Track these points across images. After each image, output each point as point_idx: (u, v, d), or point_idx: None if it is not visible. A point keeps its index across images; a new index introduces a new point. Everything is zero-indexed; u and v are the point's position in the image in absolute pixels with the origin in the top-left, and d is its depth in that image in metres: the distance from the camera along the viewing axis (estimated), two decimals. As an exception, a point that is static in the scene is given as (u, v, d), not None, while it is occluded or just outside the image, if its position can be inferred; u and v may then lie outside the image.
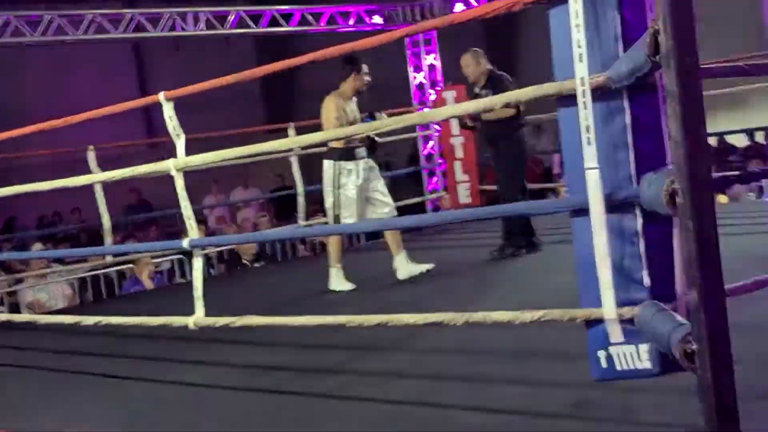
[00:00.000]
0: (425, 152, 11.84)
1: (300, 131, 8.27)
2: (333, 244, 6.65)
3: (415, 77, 11.90)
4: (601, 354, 2.84)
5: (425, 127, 10.97)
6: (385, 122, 5.12)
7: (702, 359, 1.99)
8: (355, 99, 6.64)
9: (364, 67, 6.55)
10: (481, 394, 3.61)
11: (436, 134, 11.32)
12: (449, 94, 9.68)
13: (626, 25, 2.70)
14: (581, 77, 2.73)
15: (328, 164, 6.52)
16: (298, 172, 9.14)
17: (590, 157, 2.75)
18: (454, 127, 9.68)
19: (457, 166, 9.90)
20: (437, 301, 5.58)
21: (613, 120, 2.74)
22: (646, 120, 2.73)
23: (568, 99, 2.81)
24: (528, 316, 2.99)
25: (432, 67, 11.86)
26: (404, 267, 6.58)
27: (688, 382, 3.08)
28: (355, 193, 6.47)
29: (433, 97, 11.44)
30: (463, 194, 9.80)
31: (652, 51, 2.08)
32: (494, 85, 6.72)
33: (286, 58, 4.07)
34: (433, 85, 11.79)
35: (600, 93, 2.72)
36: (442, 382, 3.90)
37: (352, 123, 6.43)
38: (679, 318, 2.37)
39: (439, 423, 3.36)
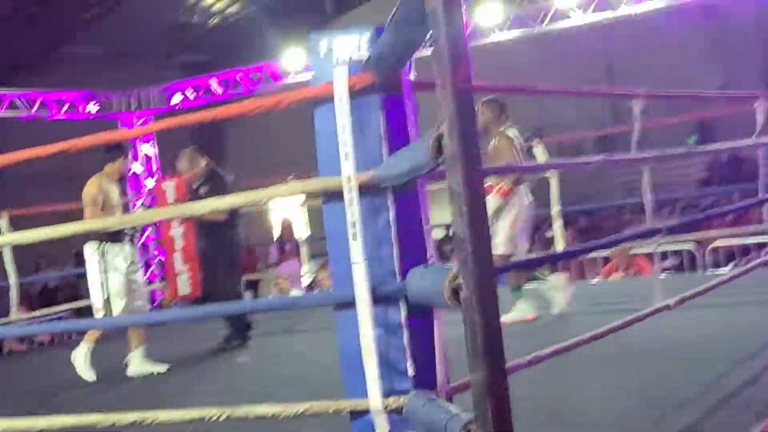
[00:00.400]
0: (139, 243, 11.53)
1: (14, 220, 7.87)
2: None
3: (130, 169, 11.64)
4: (367, 445, 2.89)
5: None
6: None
7: (486, 445, 2.09)
8: (118, 183, 6.54)
9: (129, 155, 6.56)
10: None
11: (153, 225, 11.11)
12: (169, 185, 9.53)
13: (389, 127, 2.86)
14: (348, 175, 2.83)
15: (92, 247, 6.26)
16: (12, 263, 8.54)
17: (356, 252, 2.84)
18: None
19: (177, 256, 9.70)
20: (192, 396, 5.42)
21: (377, 217, 2.86)
22: (408, 217, 2.87)
23: (334, 195, 2.90)
24: (293, 409, 2.98)
25: (148, 157, 11.69)
26: (138, 364, 6.36)
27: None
28: (123, 276, 6.28)
29: (150, 185, 11.28)
30: (183, 285, 9.59)
31: (435, 153, 2.20)
32: (213, 183, 6.81)
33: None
34: (149, 174, 11.61)
35: (365, 190, 2.84)
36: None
37: (115, 205, 6.34)
38: (451, 407, 2.48)
39: None
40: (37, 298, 13.41)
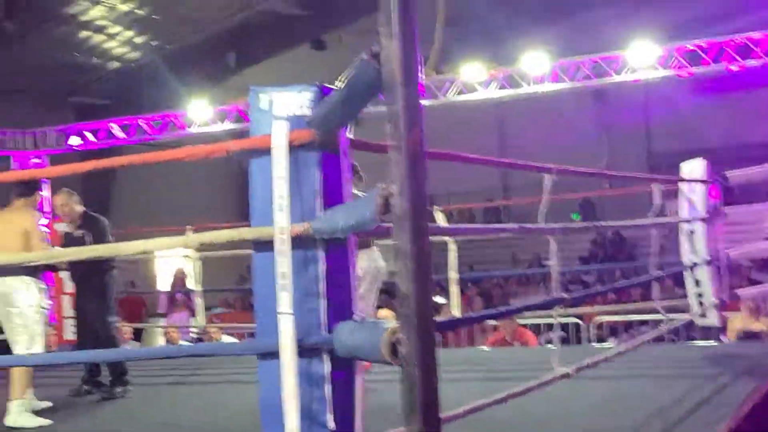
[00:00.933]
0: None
1: None
2: (22, 370, 5.88)
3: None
4: (282, 496, 2.89)
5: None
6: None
7: (418, 499, 2.15)
8: None
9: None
10: None
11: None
12: (60, 227, 9.38)
13: (326, 183, 2.93)
14: (281, 226, 2.88)
15: (26, 282, 5.99)
16: None
17: (284, 302, 2.88)
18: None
19: (66, 300, 9.49)
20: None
21: (307, 269, 2.91)
22: (337, 272, 2.93)
23: (265, 245, 2.94)
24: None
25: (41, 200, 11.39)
26: (17, 415, 5.91)
27: None
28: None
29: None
30: (69, 330, 9.37)
31: (382, 211, 2.28)
32: (90, 226, 6.71)
33: None
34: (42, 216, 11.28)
35: (298, 242, 2.89)
36: None
37: None
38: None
39: None
40: None
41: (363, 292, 6.14)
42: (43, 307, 6.17)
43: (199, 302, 9.33)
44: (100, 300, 6.86)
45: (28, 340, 5.98)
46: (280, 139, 2.89)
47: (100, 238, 6.72)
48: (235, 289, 14.15)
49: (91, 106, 17.86)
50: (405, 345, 2.18)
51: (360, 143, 3.06)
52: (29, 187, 6.30)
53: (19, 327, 6.00)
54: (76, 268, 6.86)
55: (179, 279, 12.58)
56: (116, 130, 11.16)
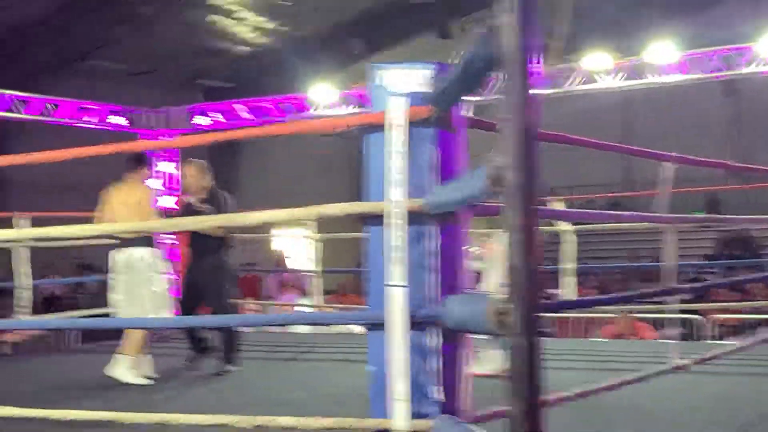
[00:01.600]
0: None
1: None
2: (138, 331, 6.35)
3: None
4: (389, 464, 2.96)
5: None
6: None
7: (521, 468, 2.17)
8: None
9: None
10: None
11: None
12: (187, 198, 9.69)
13: (440, 160, 2.98)
14: (397, 200, 2.94)
15: (147, 252, 6.41)
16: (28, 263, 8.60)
17: (397, 275, 2.94)
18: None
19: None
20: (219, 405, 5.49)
21: (420, 243, 2.96)
22: (448, 246, 2.98)
23: (380, 219, 3.01)
24: (317, 423, 3.06)
25: (169, 176, 11.84)
26: (120, 369, 6.34)
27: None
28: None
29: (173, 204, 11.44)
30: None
31: (494, 184, 2.31)
32: (216, 202, 6.77)
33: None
34: (170, 192, 11.73)
35: (411, 217, 2.94)
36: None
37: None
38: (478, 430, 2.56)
39: None
40: (40, 305, 13.48)
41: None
42: (164, 275, 6.47)
43: (316, 282, 9.48)
44: (219, 276, 6.95)
45: (154, 308, 6.31)
46: (397, 114, 2.95)
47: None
48: (351, 270, 14.29)
49: (218, 88, 18.36)
50: (511, 315, 2.21)
51: (475, 121, 3.09)
52: (137, 161, 6.57)
53: (145, 295, 6.34)
54: (197, 242, 6.91)
55: (279, 260, 12.73)
56: (242, 112, 11.42)
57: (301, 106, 11.13)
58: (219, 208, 6.74)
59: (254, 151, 20.06)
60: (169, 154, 11.93)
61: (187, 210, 6.77)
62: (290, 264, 12.64)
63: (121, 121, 11.27)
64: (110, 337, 7.37)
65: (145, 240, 6.40)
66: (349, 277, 15.31)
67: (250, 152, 20.06)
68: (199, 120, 11.50)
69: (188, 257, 7.05)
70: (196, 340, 7.06)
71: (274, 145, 19.57)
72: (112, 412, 3.55)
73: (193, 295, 6.88)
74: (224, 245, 6.96)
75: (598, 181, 22.65)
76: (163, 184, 11.86)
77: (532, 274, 2.20)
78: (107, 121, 11.13)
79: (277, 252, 13.13)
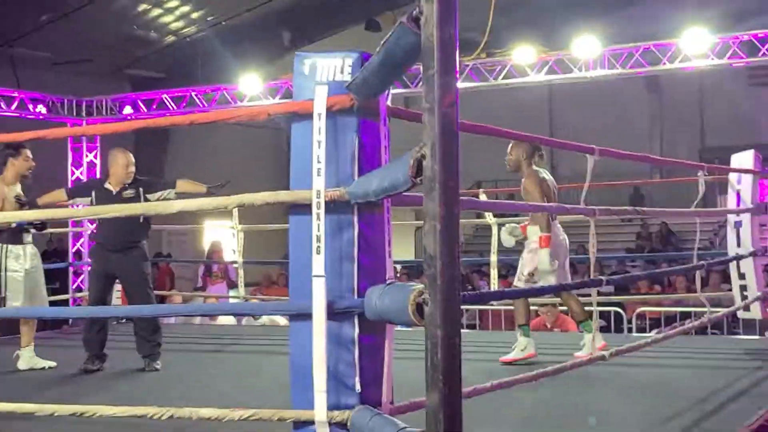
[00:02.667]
0: (74, 249, 11.42)
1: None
2: (29, 324, 6.63)
3: (73, 172, 11.55)
4: (307, 455, 2.94)
5: (77, 223, 10.64)
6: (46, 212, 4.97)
7: (436, 457, 2.17)
8: (18, 185, 6.56)
9: (25, 152, 6.49)
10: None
11: (90, 233, 11.02)
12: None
13: (363, 149, 2.96)
14: (318, 190, 2.91)
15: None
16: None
17: (318, 265, 2.92)
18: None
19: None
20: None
21: (341, 233, 2.94)
22: (371, 236, 2.96)
23: (302, 208, 2.98)
24: (237, 414, 3.02)
25: (92, 164, 11.61)
26: (28, 359, 6.64)
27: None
28: (22, 276, 6.45)
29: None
30: (114, 295, 9.50)
31: (414, 173, 2.30)
32: (141, 185, 6.65)
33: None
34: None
35: (333, 206, 2.92)
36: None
37: (15, 209, 6.34)
38: (399, 422, 2.55)
39: None
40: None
41: (557, 266, 6.26)
42: (17, 271, 6.48)
43: (240, 274, 9.41)
44: (143, 266, 6.77)
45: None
46: (319, 103, 2.92)
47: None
48: (275, 261, 14.21)
49: (147, 78, 18.07)
50: (430, 305, 2.20)
51: (397, 110, 3.09)
52: (3, 153, 6.55)
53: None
54: (118, 232, 6.62)
55: (215, 251, 12.67)
56: (169, 102, 11.25)
57: (230, 97, 11.02)
58: (139, 198, 6.62)
59: (182, 143, 19.83)
60: (92, 144, 11.70)
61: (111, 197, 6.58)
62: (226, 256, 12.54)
63: (43, 110, 11.00)
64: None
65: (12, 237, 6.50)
66: (275, 269, 15.24)
67: (178, 143, 19.82)
68: (128, 110, 11.32)
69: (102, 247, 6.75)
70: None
71: (202, 136, 19.36)
72: (29, 403, 3.46)
73: (108, 286, 6.75)
74: (146, 235, 6.83)
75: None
76: (85, 174, 11.62)
77: (452, 264, 2.19)
78: (29, 109, 10.86)
79: (214, 243, 13.00)
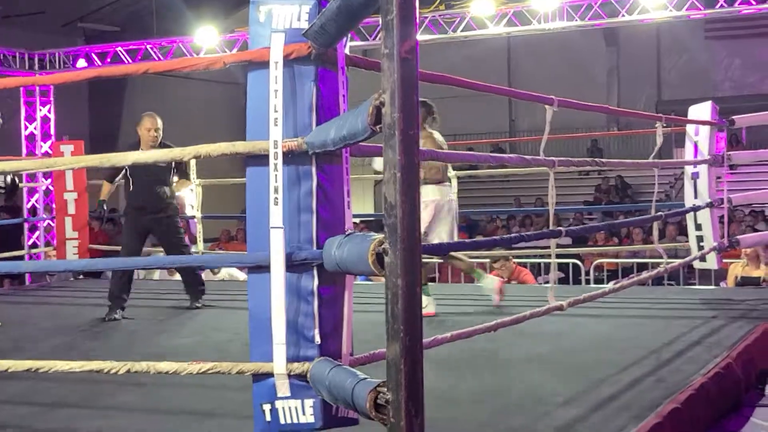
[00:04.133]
0: (29, 205, 11.27)
1: None
2: None
3: (26, 127, 11.34)
4: (266, 407, 2.93)
5: (31, 179, 10.48)
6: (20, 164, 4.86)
7: (396, 407, 2.16)
8: None
9: None
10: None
11: (45, 188, 10.92)
12: (67, 149, 9.46)
13: (321, 98, 2.90)
14: (275, 140, 2.86)
15: None
16: None
17: (276, 217, 2.87)
18: (69, 182, 9.45)
19: (68, 222, 9.55)
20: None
21: (300, 184, 2.89)
22: (329, 188, 2.92)
23: (259, 159, 2.93)
24: (195, 367, 2.99)
25: (46, 119, 11.41)
26: None
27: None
28: None
29: (45, 149, 11.08)
30: (71, 251, 9.43)
31: (373, 120, 2.26)
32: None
33: None
34: (45, 137, 11.34)
35: (291, 157, 2.87)
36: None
37: None
38: (359, 372, 2.54)
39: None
40: None
41: (428, 224, 6.30)
42: None
43: (199, 229, 9.33)
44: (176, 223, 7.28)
45: None
46: (276, 51, 2.86)
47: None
48: (234, 216, 14.10)
49: (101, 32, 17.76)
50: (390, 255, 2.17)
51: (356, 59, 3.03)
52: None
53: None
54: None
55: (179, 206, 12.55)
56: (123, 56, 11.06)
57: (186, 50, 10.85)
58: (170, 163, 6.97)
59: (138, 99, 19.55)
60: (45, 98, 11.49)
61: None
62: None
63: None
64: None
65: None
66: (234, 224, 15.15)
67: (134, 99, 19.55)
68: (81, 64, 11.11)
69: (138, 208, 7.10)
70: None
71: (158, 92, 19.09)
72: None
73: (141, 242, 7.22)
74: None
75: (483, 130, 22.98)
76: (38, 129, 11.44)
77: (412, 213, 2.17)
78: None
79: (179, 198, 12.87)
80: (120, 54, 11.11)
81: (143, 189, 7.07)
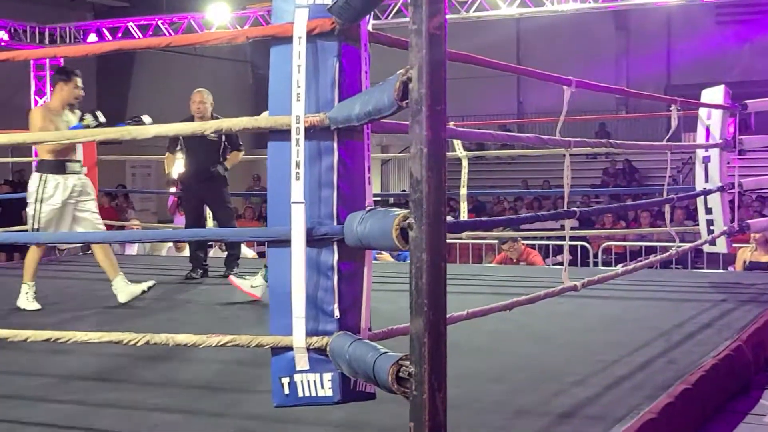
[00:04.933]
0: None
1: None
2: (30, 259, 6.30)
3: (36, 101, 11.35)
4: (285, 380, 2.95)
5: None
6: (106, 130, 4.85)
7: (419, 380, 2.17)
8: (68, 112, 6.30)
9: (76, 79, 6.31)
10: (138, 420, 3.53)
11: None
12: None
13: (343, 74, 2.91)
14: (297, 115, 2.87)
15: (35, 177, 6.24)
16: None
17: (297, 191, 2.88)
18: (79, 156, 9.44)
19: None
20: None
21: (321, 159, 2.90)
22: (350, 163, 2.93)
23: (281, 134, 2.93)
24: (214, 340, 3.01)
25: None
26: (124, 289, 6.37)
27: (342, 417, 3.34)
28: (56, 208, 6.21)
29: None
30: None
31: (400, 96, 2.27)
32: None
33: None
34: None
35: (313, 132, 2.88)
36: (89, 406, 3.75)
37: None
38: (380, 347, 2.55)
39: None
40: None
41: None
42: (52, 202, 6.23)
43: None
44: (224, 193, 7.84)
45: (31, 230, 6.27)
46: (300, 26, 2.86)
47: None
48: (242, 194, 14.12)
49: (110, 7, 17.72)
50: (415, 229, 2.19)
51: (379, 35, 3.04)
52: (54, 79, 6.49)
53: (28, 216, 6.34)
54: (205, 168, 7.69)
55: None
56: (134, 31, 11.06)
57: (197, 26, 10.85)
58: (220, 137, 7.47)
59: (144, 74, 19.54)
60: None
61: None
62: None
63: (5, 36, 10.75)
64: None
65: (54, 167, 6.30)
66: (241, 201, 15.17)
67: (141, 75, 19.53)
68: (92, 38, 11.12)
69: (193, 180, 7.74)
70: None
71: (164, 68, 19.07)
72: (2, 330, 3.43)
73: (202, 210, 7.95)
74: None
75: (491, 112, 22.96)
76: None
77: (439, 188, 2.18)
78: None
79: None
80: (131, 29, 11.11)
81: (194, 161, 7.71)
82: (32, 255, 6.30)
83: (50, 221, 6.18)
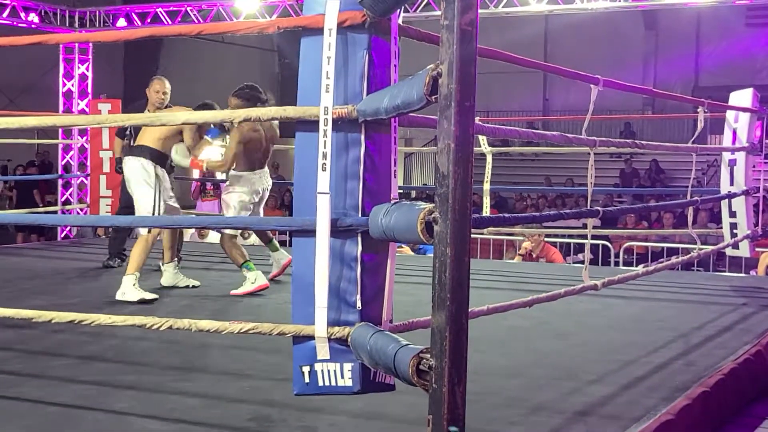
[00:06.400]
0: (64, 162, 11.38)
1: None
2: (141, 247, 6.15)
3: (64, 84, 11.42)
4: (306, 369, 2.97)
5: (67, 135, 10.60)
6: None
7: (439, 374, 2.19)
8: None
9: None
10: (156, 403, 3.57)
11: (80, 146, 11.04)
12: (104, 107, 9.54)
13: (373, 67, 2.92)
14: (326, 106, 2.89)
15: (144, 163, 6.12)
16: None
17: (323, 182, 2.90)
18: (105, 140, 9.51)
19: (102, 180, 9.65)
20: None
21: (348, 151, 2.92)
22: (377, 156, 2.95)
23: (309, 125, 2.96)
24: (236, 327, 3.04)
25: (84, 76, 11.49)
26: (170, 276, 6.61)
27: (360, 407, 3.36)
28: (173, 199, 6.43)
29: (81, 107, 11.18)
30: (104, 209, 9.55)
31: (429, 90, 2.28)
32: None
33: None
34: (82, 94, 11.43)
35: (340, 124, 2.90)
36: (108, 388, 3.80)
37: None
38: (401, 339, 2.57)
39: (114, 427, 3.28)
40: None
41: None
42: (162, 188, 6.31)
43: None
44: None
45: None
46: (330, 18, 2.88)
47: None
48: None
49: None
50: (440, 223, 2.20)
51: (408, 29, 3.05)
52: None
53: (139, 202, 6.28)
54: None
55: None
56: (163, 16, 11.10)
57: (227, 14, 10.89)
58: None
59: (172, 60, 19.62)
60: (84, 56, 11.59)
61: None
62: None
63: (35, 18, 10.82)
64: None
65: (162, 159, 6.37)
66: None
67: (168, 60, 19.62)
68: (121, 23, 11.17)
69: None
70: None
71: (191, 55, 19.13)
72: (27, 310, 3.48)
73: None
74: None
75: (517, 109, 22.92)
76: (76, 86, 11.53)
77: (465, 183, 2.19)
78: (20, 17, 10.70)
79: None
80: (160, 15, 11.15)
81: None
82: (142, 246, 6.16)
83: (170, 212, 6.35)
